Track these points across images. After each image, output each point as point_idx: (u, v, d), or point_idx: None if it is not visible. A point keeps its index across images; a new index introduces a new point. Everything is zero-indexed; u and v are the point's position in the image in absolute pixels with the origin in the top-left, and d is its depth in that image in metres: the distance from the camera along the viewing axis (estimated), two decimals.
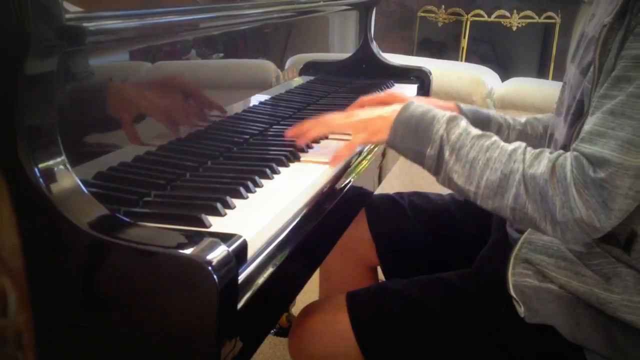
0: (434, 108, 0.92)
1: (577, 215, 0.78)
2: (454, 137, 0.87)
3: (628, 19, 0.81)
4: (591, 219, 0.78)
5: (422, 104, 0.94)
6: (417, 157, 0.90)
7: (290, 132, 1.01)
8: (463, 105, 1.17)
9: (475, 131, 0.88)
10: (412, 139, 0.90)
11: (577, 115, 0.90)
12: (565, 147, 0.91)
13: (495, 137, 0.88)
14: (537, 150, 0.84)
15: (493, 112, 1.18)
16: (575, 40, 1.03)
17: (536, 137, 1.14)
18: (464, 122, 0.89)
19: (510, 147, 0.85)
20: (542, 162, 0.82)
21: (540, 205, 0.80)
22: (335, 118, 0.99)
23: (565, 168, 0.79)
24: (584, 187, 0.77)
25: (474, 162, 0.85)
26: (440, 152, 0.87)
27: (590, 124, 0.81)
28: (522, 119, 1.17)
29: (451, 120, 0.89)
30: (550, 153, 0.83)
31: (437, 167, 0.88)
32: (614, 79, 0.80)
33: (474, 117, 1.14)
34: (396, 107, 0.94)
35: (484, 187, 0.84)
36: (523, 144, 0.86)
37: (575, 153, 0.80)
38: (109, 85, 0.76)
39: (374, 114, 0.96)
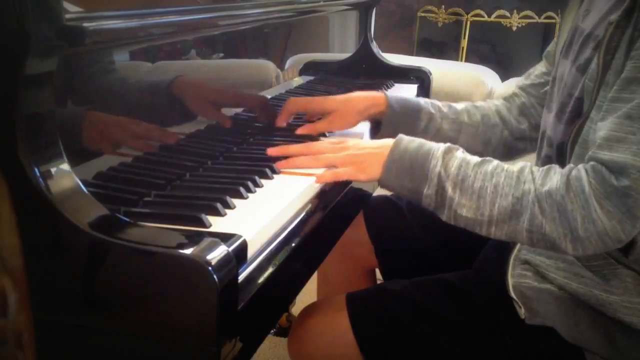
0: (427, 141, 0.88)
1: (600, 228, 0.75)
2: (453, 170, 0.83)
3: (636, 17, 0.78)
4: (615, 231, 0.75)
5: (414, 138, 0.89)
6: (414, 196, 0.87)
7: (272, 151, 0.95)
8: (390, 95, 1.13)
9: (474, 159, 0.85)
10: (407, 177, 0.86)
11: (576, 113, 0.88)
12: (562, 145, 0.90)
13: (496, 161, 0.84)
14: (545, 167, 0.81)
15: (424, 101, 1.14)
16: (564, 35, 1.01)
17: (473, 125, 1.11)
18: (460, 152, 0.86)
19: (516, 168, 0.82)
20: (553, 177, 0.79)
21: (559, 223, 0.77)
22: (324, 151, 0.93)
23: (582, 180, 0.76)
24: (605, 198, 0.74)
25: (482, 191, 0.81)
26: (441, 189, 0.84)
27: (605, 129, 0.78)
28: (459, 106, 1.14)
29: (447, 153, 0.85)
30: (548, 156, 0.82)
31: (438, 205, 0.85)
32: (624, 80, 0.78)
33: (402, 107, 1.11)
34: (386, 143, 0.90)
35: (497, 215, 0.80)
36: (528, 164, 0.83)
37: (592, 163, 0.77)
38: (109, 85, 0.76)
39: (363, 150, 0.91)
